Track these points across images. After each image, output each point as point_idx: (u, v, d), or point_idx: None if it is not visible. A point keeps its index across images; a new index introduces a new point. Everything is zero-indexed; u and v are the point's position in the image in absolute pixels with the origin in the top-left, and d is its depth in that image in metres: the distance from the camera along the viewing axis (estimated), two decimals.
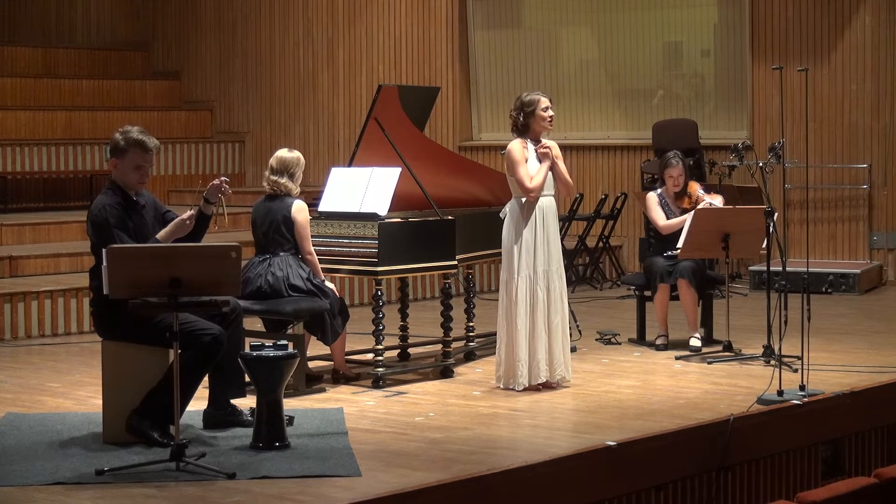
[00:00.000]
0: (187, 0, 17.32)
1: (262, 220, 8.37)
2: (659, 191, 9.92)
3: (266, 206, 8.38)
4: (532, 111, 8.24)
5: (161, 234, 6.97)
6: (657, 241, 9.97)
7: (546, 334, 8.19)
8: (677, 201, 9.82)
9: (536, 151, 8.23)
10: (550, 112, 8.27)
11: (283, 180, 8.34)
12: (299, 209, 8.28)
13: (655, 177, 13.31)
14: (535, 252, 8.19)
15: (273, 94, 16.72)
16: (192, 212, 7.02)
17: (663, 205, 9.84)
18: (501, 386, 8.24)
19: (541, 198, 8.22)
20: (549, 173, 8.24)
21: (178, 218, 7.01)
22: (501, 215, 8.36)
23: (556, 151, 8.29)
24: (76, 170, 15.21)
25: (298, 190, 8.41)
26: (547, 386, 8.23)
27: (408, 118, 8.98)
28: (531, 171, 8.19)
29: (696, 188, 9.87)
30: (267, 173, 8.43)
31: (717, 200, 9.75)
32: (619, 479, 6.63)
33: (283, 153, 8.44)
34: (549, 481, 6.30)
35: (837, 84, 13.50)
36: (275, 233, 8.29)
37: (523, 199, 8.21)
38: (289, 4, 16.60)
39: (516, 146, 8.23)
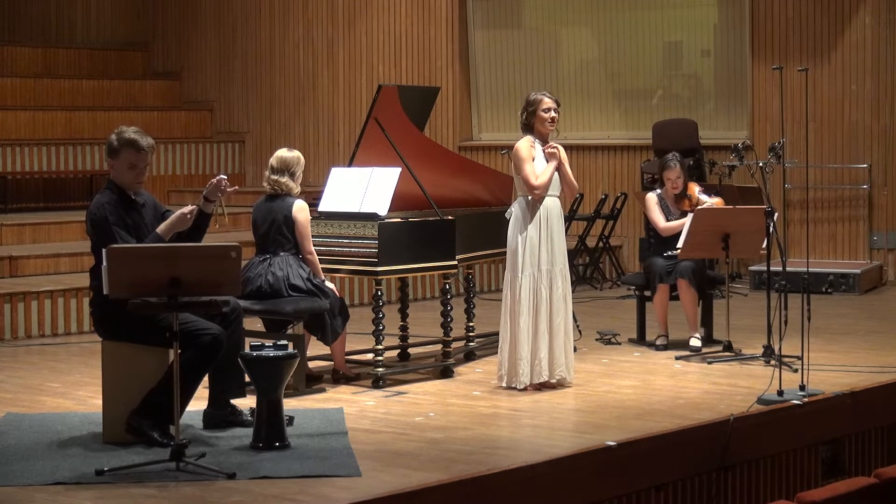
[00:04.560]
0: (187, 0, 17.33)
1: (263, 220, 8.36)
2: (658, 192, 9.91)
3: (266, 206, 8.38)
4: (533, 111, 8.28)
5: (161, 227, 6.96)
6: (657, 241, 9.96)
7: (548, 334, 8.20)
8: (677, 203, 9.82)
9: (544, 151, 8.26)
10: (552, 114, 8.28)
11: (284, 179, 8.34)
12: (300, 209, 8.28)
13: (655, 177, 13.32)
14: (539, 251, 8.20)
15: (273, 94, 16.72)
16: (193, 207, 7.03)
17: (663, 206, 9.83)
18: (504, 385, 8.25)
19: (546, 198, 8.24)
20: (556, 174, 8.27)
21: (179, 212, 7.01)
22: (507, 215, 8.37)
23: (562, 155, 8.31)
24: (76, 170, 15.21)
25: (299, 189, 8.41)
26: (547, 386, 8.24)
27: (408, 118, 8.97)
28: (538, 169, 8.21)
29: (695, 190, 9.86)
30: (267, 173, 8.43)
31: (715, 202, 9.73)
32: (619, 479, 6.63)
33: (282, 152, 8.45)
34: (549, 481, 6.31)
35: (837, 84, 13.50)
36: (276, 233, 8.28)
37: (529, 198, 8.22)
38: (289, 4, 16.60)
39: (524, 144, 8.25)
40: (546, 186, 8.22)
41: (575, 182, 8.43)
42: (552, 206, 8.28)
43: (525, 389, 8.16)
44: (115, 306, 6.69)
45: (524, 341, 8.18)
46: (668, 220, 9.78)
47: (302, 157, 8.48)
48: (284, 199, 8.32)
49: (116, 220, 6.89)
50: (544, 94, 8.33)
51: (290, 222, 8.26)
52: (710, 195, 9.93)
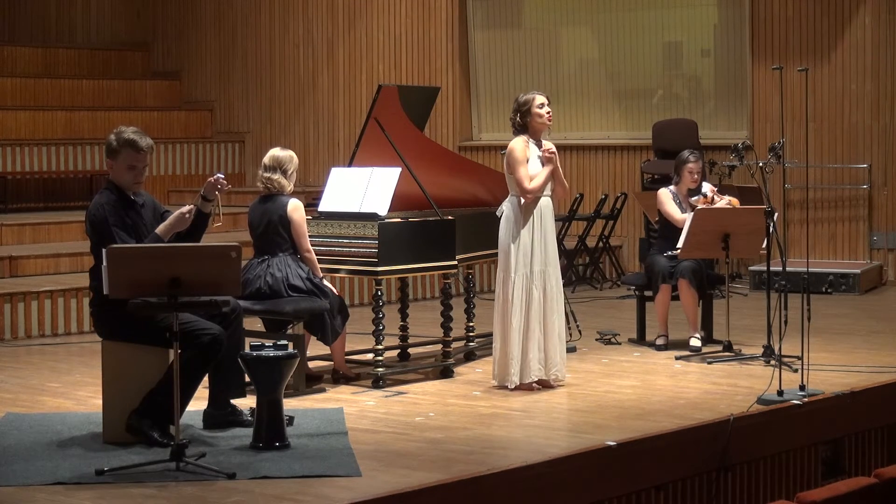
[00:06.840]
0: (187, 0, 17.33)
1: (259, 222, 8.35)
2: (671, 187, 9.88)
3: (261, 207, 8.38)
4: (528, 109, 8.25)
5: (160, 228, 6.96)
6: (658, 240, 9.96)
7: (541, 333, 8.20)
8: (690, 199, 9.78)
9: (542, 154, 8.23)
10: (547, 108, 8.27)
11: (277, 176, 8.33)
12: (295, 207, 8.27)
13: (656, 176, 13.34)
14: (532, 251, 8.20)
15: (273, 94, 16.72)
16: (192, 207, 7.03)
17: (675, 202, 9.80)
18: (496, 383, 8.25)
19: (540, 197, 8.23)
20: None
21: (178, 211, 7.01)
22: (498, 213, 8.37)
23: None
24: (76, 170, 15.21)
25: (292, 188, 8.40)
26: (542, 384, 8.24)
27: (408, 118, 8.97)
28: (532, 172, 8.20)
29: (708, 189, 9.83)
30: (260, 171, 8.43)
31: (730, 200, 9.70)
32: (619, 479, 6.63)
33: (275, 151, 8.45)
34: (548, 481, 6.31)
35: (837, 84, 13.50)
36: (272, 233, 8.28)
37: (522, 199, 8.22)
38: (289, 4, 16.60)
39: (518, 144, 8.22)
40: (538, 191, 8.19)
41: (566, 182, 8.44)
42: (545, 205, 8.26)
43: (515, 389, 8.15)
44: (115, 306, 6.69)
45: (515, 341, 8.17)
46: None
47: (295, 157, 8.47)
48: (278, 198, 8.31)
49: (116, 221, 6.89)
50: (534, 92, 8.32)
51: (285, 222, 8.26)
52: (723, 194, 9.92)
